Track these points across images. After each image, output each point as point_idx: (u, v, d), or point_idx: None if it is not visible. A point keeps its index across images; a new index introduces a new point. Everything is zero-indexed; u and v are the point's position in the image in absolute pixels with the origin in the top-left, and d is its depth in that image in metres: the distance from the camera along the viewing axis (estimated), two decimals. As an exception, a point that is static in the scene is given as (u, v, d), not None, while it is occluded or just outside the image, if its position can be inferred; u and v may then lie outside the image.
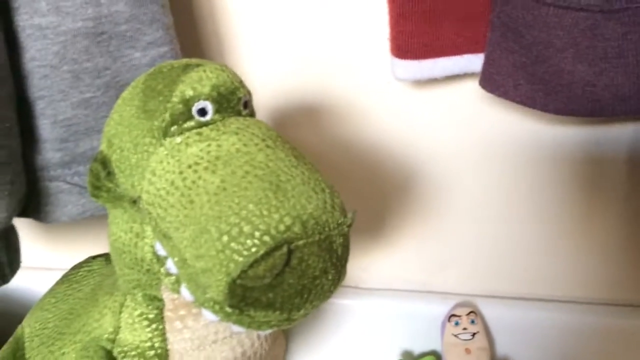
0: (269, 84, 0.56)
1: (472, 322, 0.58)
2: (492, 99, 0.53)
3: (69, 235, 0.69)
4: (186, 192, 0.29)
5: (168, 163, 0.30)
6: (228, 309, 0.29)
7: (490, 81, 0.44)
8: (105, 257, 0.49)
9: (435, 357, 0.61)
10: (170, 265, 0.31)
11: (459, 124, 0.55)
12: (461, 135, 0.56)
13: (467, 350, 0.57)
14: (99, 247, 0.54)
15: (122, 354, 0.38)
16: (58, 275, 0.50)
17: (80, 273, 0.48)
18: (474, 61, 0.47)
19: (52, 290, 0.48)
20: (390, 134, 0.57)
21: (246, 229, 0.27)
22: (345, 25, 0.53)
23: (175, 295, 0.37)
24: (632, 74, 0.40)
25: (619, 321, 0.58)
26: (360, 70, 0.54)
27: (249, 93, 0.34)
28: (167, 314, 0.37)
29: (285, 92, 0.57)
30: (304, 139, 0.58)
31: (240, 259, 0.27)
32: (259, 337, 0.41)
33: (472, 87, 0.52)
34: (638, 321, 0.57)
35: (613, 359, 0.58)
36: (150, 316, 0.37)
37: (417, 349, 0.64)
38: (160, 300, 0.37)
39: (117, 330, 0.38)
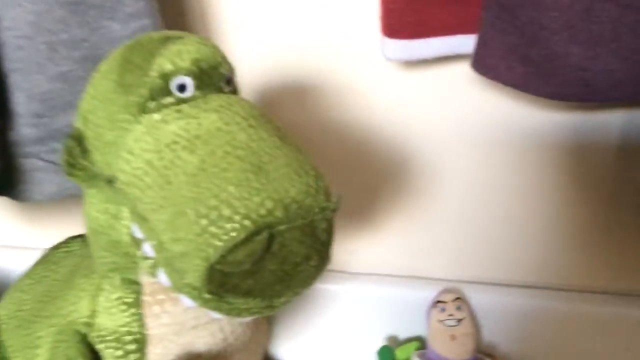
0: (253, 61, 0.55)
1: (458, 308, 0.58)
2: (483, 82, 0.52)
3: (47, 213, 0.67)
4: (164, 172, 0.28)
5: (145, 141, 0.29)
6: (206, 295, 0.28)
7: (483, 63, 0.43)
8: (85, 237, 0.48)
9: (420, 343, 0.61)
10: (148, 248, 0.30)
11: (449, 106, 0.54)
12: (451, 119, 0.55)
13: (453, 337, 0.56)
14: (77, 226, 0.53)
15: (99, 339, 0.36)
16: (34, 255, 0.49)
17: (58, 254, 0.46)
18: (466, 42, 0.46)
19: (29, 271, 0.47)
20: (379, 116, 0.56)
21: (226, 212, 0.26)
22: (335, 2, 0.51)
23: (153, 280, 0.35)
24: (627, 59, 0.39)
25: (607, 309, 0.58)
26: (349, 49, 0.53)
27: (232, 69, 0.32)
28: (146, 298, 0.36)
29: (270, 69, 0.55)
30: (289, 119, 0.57)
31: (220, 243, 0.26)
32: (240, 323, 0.40)
33: (463, 69, 0.51)
34: (622, 309, 0.57)
35: (600, 346, 0.58)
36: (128, 300, 0.36)
37: (403, 334, 0.64)
38: (138, 284, 0.36)
39: (93, 314, 0.37)
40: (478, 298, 0.60)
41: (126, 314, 0.36)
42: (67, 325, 0.37)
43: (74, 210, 0.65)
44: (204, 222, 0.26)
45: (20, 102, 0.40)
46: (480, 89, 0.52)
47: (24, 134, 0.41)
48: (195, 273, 0.27)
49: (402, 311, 0.62)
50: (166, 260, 0.28)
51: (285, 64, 0.55)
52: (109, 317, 0.37)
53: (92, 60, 0.41)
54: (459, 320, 0.57)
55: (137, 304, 0.36)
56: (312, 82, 0.55)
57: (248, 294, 0.27)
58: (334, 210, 0.29)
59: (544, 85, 0.40)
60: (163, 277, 0.30)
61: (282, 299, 0.28)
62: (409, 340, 0.64)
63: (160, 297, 0.36)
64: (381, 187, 0.59)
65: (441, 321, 0.58)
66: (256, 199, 0.26)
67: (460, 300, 0.58)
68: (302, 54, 0.54)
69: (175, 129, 0.29)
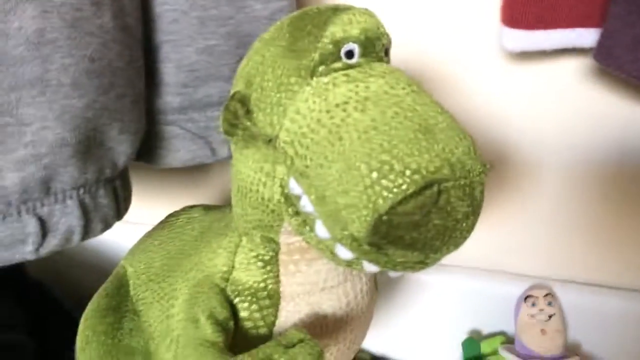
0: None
1: (549, 304, 0.58)
2: (587, 81, 0.52)
3: (153, 190, 0.70)
4: (334, 129, 0.30)
5: (314, 102, 0.31)
6: (366, 246, 0.29)
7: (607, 54, 0.44)
8: (203, 206, 0.51)
9: (504, 338, 0.61)
10: (305, 202, 0.32)
11: (549, 104, 0.55)
12: (551, 117, 0.55)
13: (543, 331, 0.57)
14: (182, 202, 0.56)
15: (235, 293, 0.39)
16: (137, 229, 0.52)
17: (180, 220, 0.49)
18: (585, 36, 0.47)
19: (151, 234, 0.49)
20: (486, 107, 0.57)
21: (397, 166, 0.28)
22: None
23: (291, 239, 0.38)
24: None
25: None
26: (465, 39, 0.54)
27: (390, 41, 0.34)
28: (282, 257, 0.38)
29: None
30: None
31: (390, 195, 0.28)
32: (361, 290, 0.41)
33: (570, 66, 0.52)
34: None
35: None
36: (266, 258, 0.38)
37: (487, 328, 0.64)
38: (277, 243, 0.38)
39: (230, 269, 0.39)
40: (564, 296, 0.60)
41: (263, 270, 0.38)
42: (205, 278, 0.40)
43: (176, 187, 0.69)
44: (375, 175, 0.28)
45: (169, 72, 0.44)
46: (583, 87, 0.53)
47: (168, 102, 0.45)
48: (360, 223, 0.28)
49: (487, 305, 0.63)
50: (327, 213, 0.30)
51: (398, 51, 0.56)
52: (246, 272, 0.39)
53: (235, 36, 0.44)
54: (550, 316, 0.58)
55: (273, 262, 0.38)
56: (423, 70, 0.57)
57: (409, 246, 0.29)
58: (486, 174, 0.30)
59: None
60: (321, 230, 0.32)
61: (437, 255, 0.30)
62: (493, 334, 0.64)
63: (296, 257, 0.38)
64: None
65: (532, 315, 0.58)
66: (426, 156, 0.28)
67: (551, 296, 0.59)
68: (415, 41, 0.56)
69: (345, 91, 0.31)
